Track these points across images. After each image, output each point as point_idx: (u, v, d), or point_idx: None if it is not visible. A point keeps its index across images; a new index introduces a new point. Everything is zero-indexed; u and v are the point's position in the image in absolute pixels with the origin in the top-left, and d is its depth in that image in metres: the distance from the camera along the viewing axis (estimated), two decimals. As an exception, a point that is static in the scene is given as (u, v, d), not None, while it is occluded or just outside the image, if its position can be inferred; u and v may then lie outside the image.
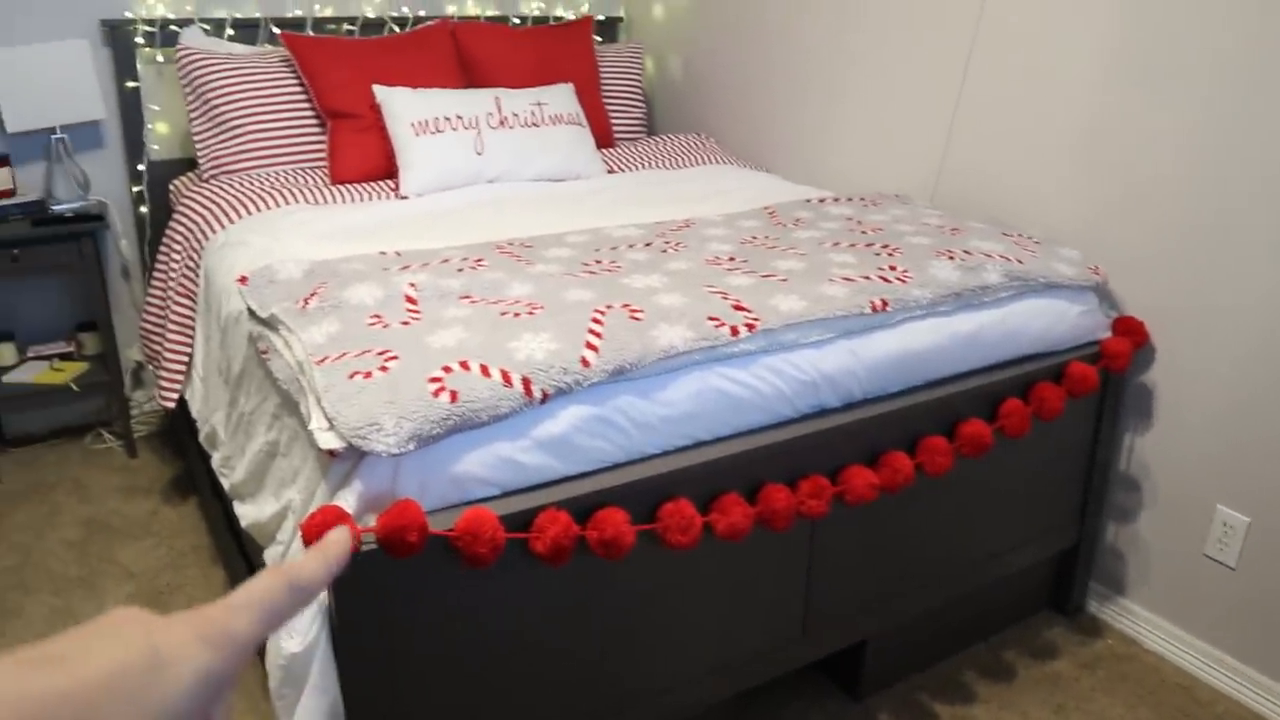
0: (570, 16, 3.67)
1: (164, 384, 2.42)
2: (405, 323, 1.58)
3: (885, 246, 2.07)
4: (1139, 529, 2.26)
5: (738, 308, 1.67)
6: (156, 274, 2.63)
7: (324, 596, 1.34)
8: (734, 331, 1.60)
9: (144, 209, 3.07)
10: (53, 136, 2.87)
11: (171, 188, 2.99)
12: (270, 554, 1.65)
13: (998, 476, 2.01)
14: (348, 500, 1.35)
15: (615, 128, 3.36)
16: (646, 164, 3.10)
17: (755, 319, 1.64)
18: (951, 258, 1.98)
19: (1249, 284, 1.97)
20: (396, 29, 3.30)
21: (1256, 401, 2.00)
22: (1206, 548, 2.12)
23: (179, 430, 3.00)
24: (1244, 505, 2.05)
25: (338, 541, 0.44)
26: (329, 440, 1.35)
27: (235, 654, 0.38)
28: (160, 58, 3.03)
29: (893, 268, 1.92)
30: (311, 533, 1.28)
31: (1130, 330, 2.13)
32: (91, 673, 0.33)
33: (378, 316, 1.61)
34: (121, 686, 0.33)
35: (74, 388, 2.93)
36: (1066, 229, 2.29)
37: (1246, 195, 1.95)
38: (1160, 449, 2.19)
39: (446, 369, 1.40)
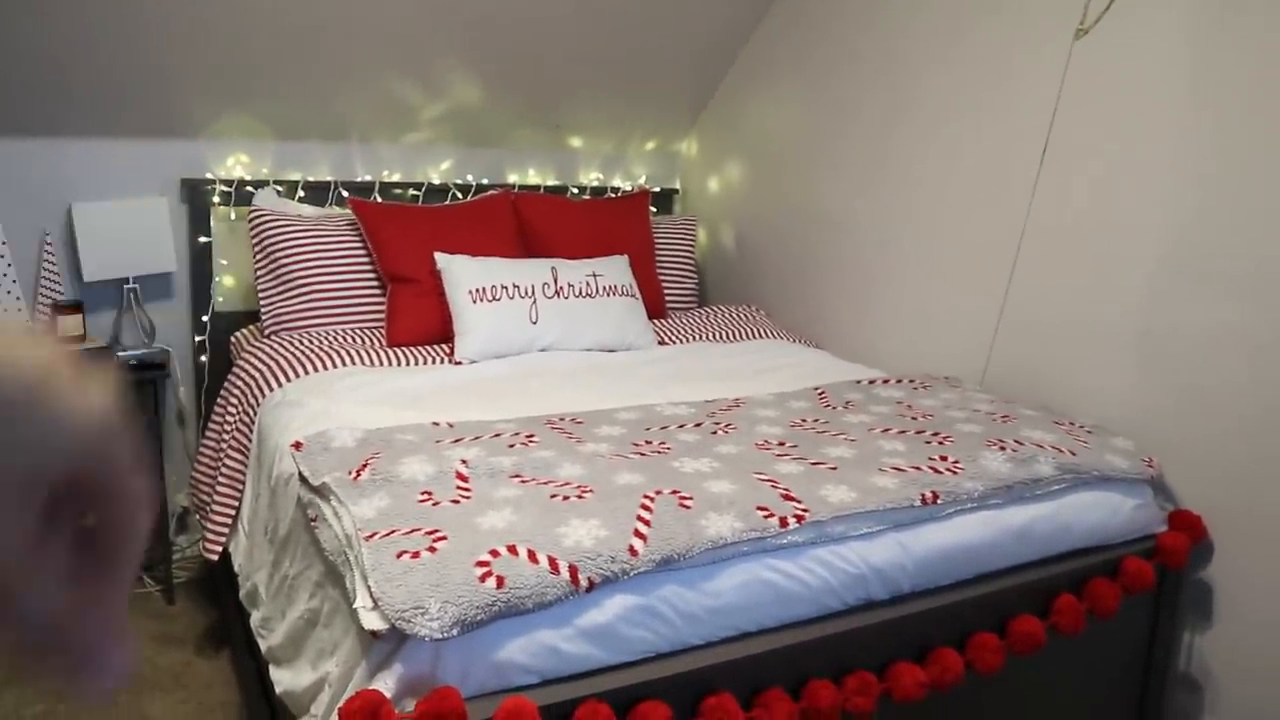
0: (627, 188, 3.80)
1: (210, 535, 2.44)
2: (455, 501, 1.59)
3: (936, 434, 2.06)
4: (1200, 737, 2.16)
5: (787, 497, 1.66)
6: (212, 424, 2.68)
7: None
8: (783, 522, 1.59)
9: (204, 358, 3.16)
10: (125, 286, 2.98)
11: (233, 339, 3.07)
12: (304, 726, 1.62)
13: (1050, 676, 1.94)
14: (387, 682, 1.33)
15: (667, 298, 3.43)
16: (697, 336, 3.15)
17: (804, 510, 1.63)
18: (1003, 448, 1.97)
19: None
20: (460, 195, 3.44)
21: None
22: (1273, 761, 2.02)
23: (218, 580, 3.00)
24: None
25: None
26: (373, 621, 1.34)
27: None
28: (234, 215, 3.17)
29: (943, 458, 1.91)
30: (350, 718, 1.26)
31: (1187, 525, 2.07)
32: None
33: (428, 493, 1.62)
34: None
35: (120, 532, 2.95)
36: (1119, 415, 2.26)
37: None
38: (1222, 651, 2.11)
39: (494, 553, 1.40)
